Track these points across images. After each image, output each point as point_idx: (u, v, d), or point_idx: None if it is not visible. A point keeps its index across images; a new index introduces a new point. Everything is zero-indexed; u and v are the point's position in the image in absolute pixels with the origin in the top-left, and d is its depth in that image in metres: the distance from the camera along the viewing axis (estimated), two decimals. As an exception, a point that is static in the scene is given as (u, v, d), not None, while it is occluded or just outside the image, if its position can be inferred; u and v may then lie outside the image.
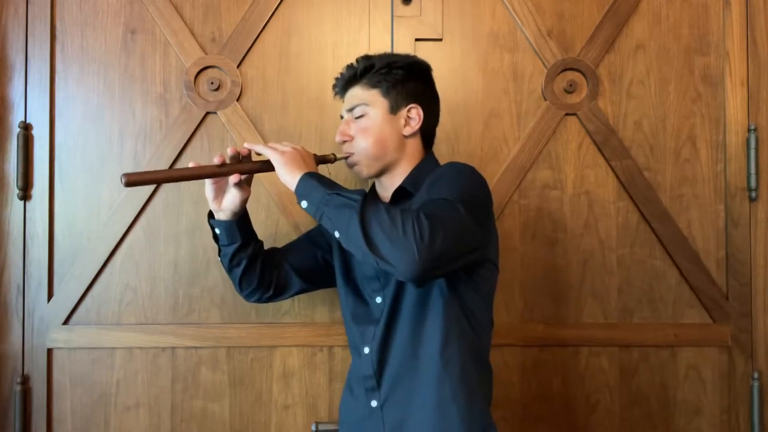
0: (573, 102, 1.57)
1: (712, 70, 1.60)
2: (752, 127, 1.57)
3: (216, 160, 1.15)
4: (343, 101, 1.28)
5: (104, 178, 1.55)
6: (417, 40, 1.57)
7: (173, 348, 1.54)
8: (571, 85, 1.57)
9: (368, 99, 1.22)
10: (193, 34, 1.56)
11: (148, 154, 1.55)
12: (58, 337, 1.53)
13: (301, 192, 1.09)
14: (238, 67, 1.55)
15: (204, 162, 1.55)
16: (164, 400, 1.54)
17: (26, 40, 1.54)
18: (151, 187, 1.54)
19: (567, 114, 1.57)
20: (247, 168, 1.17)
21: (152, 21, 1.55)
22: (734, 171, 1.58)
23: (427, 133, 1.28)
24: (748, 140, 1.58)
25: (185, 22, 1.55)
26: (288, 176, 1.12)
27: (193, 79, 1.54)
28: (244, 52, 1.55)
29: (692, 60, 1.60)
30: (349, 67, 1.26)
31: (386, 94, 1.22)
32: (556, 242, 1.57)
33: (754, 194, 1.57)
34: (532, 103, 1.58)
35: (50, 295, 1.53)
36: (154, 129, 1.55)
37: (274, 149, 1.15)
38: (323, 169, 1.22)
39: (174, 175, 1.17)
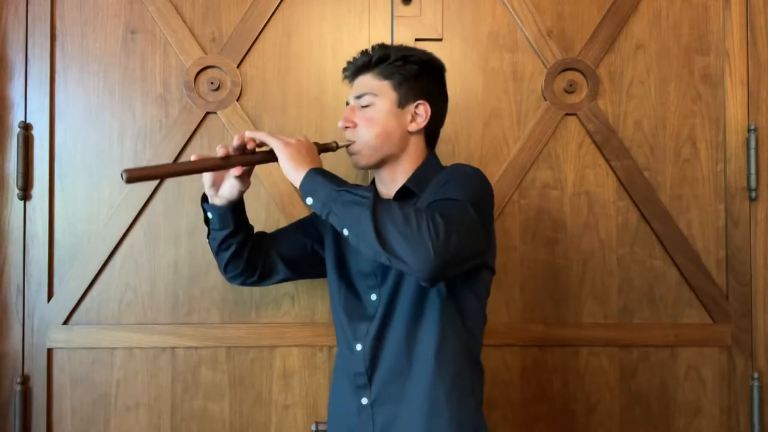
0: (573, 102, 1.57)
1: (712, 70, 1.60)
2: (752, 127, 1.57)
3: (220, 153, 1.11)
4: (352, 86, 1.25)
5: (104, 178, 1.55)
6: (417, 40, 1.57)
7: (173, 348, 1.54)
8: (571, 85, 1.57)
9: (378, 89, 1.20)
10: (193, 34, 1.56)
11: (148, 154, 1.55)
12: (58, 337, 1.53)
13: (306, 189, 1.07)
14: (238, 67, 1.55)
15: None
16: (164, 400, 1.54)
17: (26, 40, 1.54)
18: (151, 187, 1.53)
19: (567, 114, 1.57)
20: (251, 160, 1.14)
21: (152, 21, 1.55)
22: (734, 171, 1.58)
23: (432, 132, 1.26)
24: (748, 140, 1.58)
25: (185, 22, 1.55)
26: (293, 171, 1.09)
27: (193, 79, 1.54)
28: (244, 52, 1.55)
29: (692, 60, 1.60)
30: (364, 53, 1.23)
31: (397, 87, 1.20)
32: (556, 242, 1.57)
33: (754, 194, 1.57)
34: (532, 103, 1.58)
35: (50, 295, 1.53)
36: (154, 129, 1.55)
37: (279, 139, 1.12)
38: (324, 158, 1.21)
39: (176, 170, 1.13)
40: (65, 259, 1.54)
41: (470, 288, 1.15)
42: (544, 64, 1.57)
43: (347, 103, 1.25)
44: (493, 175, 1.56)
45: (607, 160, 1.57)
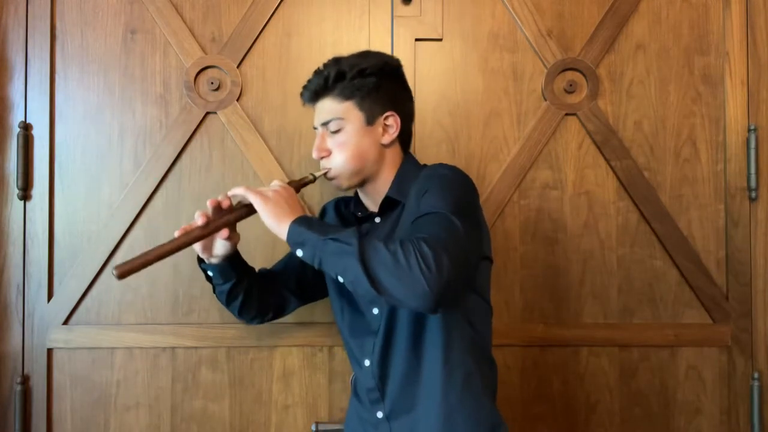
0: (573, 102, 1.57)
1: (712, 70, 1.60)
2: (752, 127, 1.57)
3: (199, 221, 1.10)
4: (314, 110, 1.23)
5: (104, 178, 1.55)
6: (417, 40, 1.57)
7: (173, 348, 1.54)
8: (571, 85, 1.57)
9: (343, 113, 1.18)
10: (193, 34, 1.56)
11: (148, 154, 1.55)
12: (58, 337, 1.53)
13: (293, 242, 1.05)
14: (238, 67, 1.55)
15: (204, 161, 1.55)
16: (164, 400, 1.54)
17: (26, 40, 1.54)
18: (151, 187, 1.54)
19: (567, 114, 1.57)
20: (234, 218, 1.13)
21: (152, 21, 1.55)
22: (734, 171, 1.58)
23: (405, 135, 1.25)
24: (748, 140, 1.58)
25: (185, 22, 1.55)
26: (276, 227, 1.07)
27: (193, 79, 1.54)
28: (244, 52, 1.55)
29: (692, 60, 1.60)
30: (318, 73, 1.20)
31: (361, 105, 1.18)
32: (556, 242, 1.57)
33: (754, 194, 1.57)
34: (532, 103, 1.58)
35: (50, 295, 1.53)
36: (154, 129, 1.55)
37: (257, 194, 1.09)
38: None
39: (163, 252, 1.11)
40: (65, 259, 1.54)
41: (470, 286, 1.15)
42: (544, 64, 1.57)
43: (315, 128, 1.23)
44: (493, 175, 1.56)
45: (607, 160, 1.57)
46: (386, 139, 1.20)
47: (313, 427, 1.51)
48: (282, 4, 1.56)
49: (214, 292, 1.29)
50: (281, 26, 1.57)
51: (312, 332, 1.54)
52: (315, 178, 1.21)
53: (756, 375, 1.56)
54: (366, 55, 1.23)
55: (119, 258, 1.54)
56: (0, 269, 1.53)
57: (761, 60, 1.59)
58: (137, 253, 1.53)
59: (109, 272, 1.53)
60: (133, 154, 1.55)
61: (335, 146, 1.19)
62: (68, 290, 1.53)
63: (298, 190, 1.17)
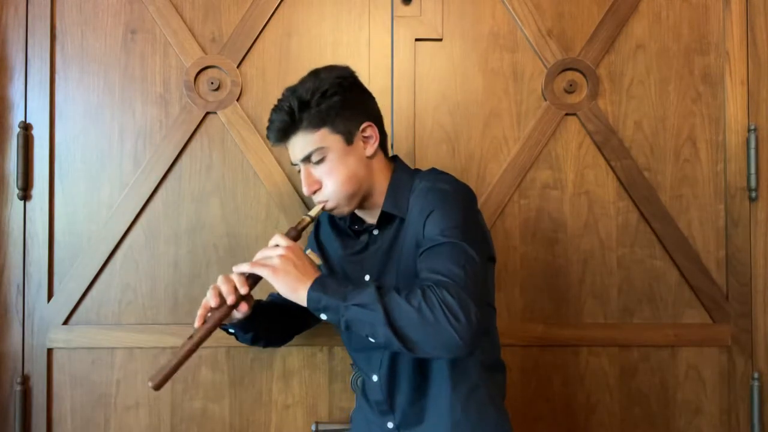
0: (573, 102, 1.57)
1: (712, 70, 1.60)
2: (752, 127, 1.57)
3: (213, 303, 1.08)
4: (287, 149, 1.18)
5: (104, 178, 1.55)
6: (417, 40, 1.56)
7: (173, 348, 1.54)
8: (571, 85, 1.57)
9: (320, 141, 1.13)
10: (193, 34, 1.56)
11: (148, 154, 1.55)
12: (58, 337, 1.52)
13: (315, 308, 1.03)
14: (238, 67, 1.55)
15: (204, 160, 1.55)
16: (164, 400, 1.54)
17: (26, 40, 1.54)
18: (151, 188, 1.54)
19: (567, 114, 1.57)
20: (247, 292, 1.09)
21: (152, 21, 1.55)
22: (734, 171, 1.58)
23: (382, 137, 1.21)
24: (748, 140, 1.58)
25: (185, 22, 1.55)
26: (293, 296, 1.04)
27: (193, 79, 1.54)
28: (244, 52, 1.55)
29: (692, 60, 1.60)
30: (279, 110, 1.14)
31: (335, 128, 1.13)
32: (556, 242, 1.57)
33: (754, 194, 1.57)
34: (532, 103, 1.58)
35: (50, 295, 1.53)
36: (154, 129, 1.55)
37: (264, 267, 1.05)
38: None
39: (192, 348, 1.09)
40: (65, 259, 1.54)
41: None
42: (544, 64, 1.57)
43: (294, 164, 1.19)
44: (493, 175, 1.56)
45: (607, 160, 1.57)
46: (369, 150, 1.17)
47: (313, 427, 1.51)
48: (282, 4, 1.56)
49: (238, 340, 1.28)
50: (281, 26, 1.57)
51: (312, 332, 1.54)
52: (313, 219, 1.17)
53: (756, 375, 1.56)
54: (317, 75, 1.17)
55: (119, 258, 1.54)
56: (0, 269, 1.53)
57: (761, 60, 1.59)
58: (137, 253, 1.54)
59: (109, 272, 1.54)
60: (133, 154, 1.55)
61: (324, 176, 1.15)
62: (68, 290, 1.53)
63: (298, 238, 1.13)
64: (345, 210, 1.18)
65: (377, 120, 1.20)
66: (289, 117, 1.13)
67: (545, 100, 1.57)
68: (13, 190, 1.53)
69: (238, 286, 1.07)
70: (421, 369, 1.15)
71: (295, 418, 1.55)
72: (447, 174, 1.18)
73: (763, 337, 1.58)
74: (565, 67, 1.57)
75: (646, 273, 1.57)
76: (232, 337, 1.26)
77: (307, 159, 1.15)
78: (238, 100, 1.55)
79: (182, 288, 1.55)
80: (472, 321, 0.94)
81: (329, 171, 1.14)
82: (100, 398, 1.53)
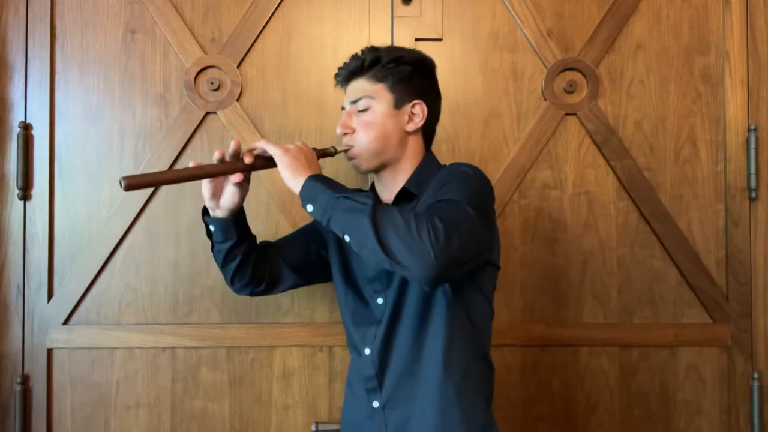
0: (573, 102, 1.57)
1: (712, 70, 1.60)
2: (752, 127, 1.57)
3: (216, 157, 1.12)
4: (345, 92, 1.25)
5: (104, 178, 1.55)
6: (417, 40, 1.57)
7: (173, 348, 1.54)
8: (571, 85, 1.57)
9: (373, 92, 1.19)
10: (193, 34, 1.56)
11: (148, 154, 1.55)
12: (58, 337, 1.53)
13: (306, 196, 1.06)
14: (238, 67, 1.55)
15: (205, 160, 1.56)
16: (164, 400, 1.54)
17: (26, 40, 1.54)
18: (150, 188, 1.53)
19: (567, 114, 1.57)
20: (249, 165, 1.13)
21: (152, 21, 1.55)
22: (734, 171, 1.58)
23: (429, 130, 1.27)
24: (748, 140, 1.58)
25: (185, 22, 1.55)
26: (291, 179, 1.08)
27: (193, 79, 1.54)
28: (244, 52, 1.55)
29: (692, 60, 1.60)
30: (355, 57, 1.23)
31: (392, 88, 1.20)
32: (556, 242, 1.57)
33: (754, 194, 1.57)
34: (532, 103, 1.58)
35: (50, 295, 1.53)
36: (154, 129, 1.55)
37: (278, 147, 1.11)
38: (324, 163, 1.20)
39: (175, 176, 1.11)
40: (65, 259, 1.54)
41: (476, 285, 1.15)
42: (544, 64, 1.57)
43: (343, 108, 1.25)
44: (493, 175, 1.56)
45: (607, 160, 1.57)
46: (411, 126, 1.21)
47: (313, 427, 1.51)
48: (282, 4, 1.56)
49: (212, 250, 1.27)
50: (281, 26, 1.57)
51: (312, 332, 1.54)
52: (336, 152, 1.22)
53: (756, 375, 1.56)
54: (404, 48, 1.29)
55: (119, 258, 1.54)
56: (0, 269, 1.53)
57: (761, 60, 1.59)
58: (137, 253, 1.55)
59: (109, 272, 1.54)
60: (133, 154, 1.55)
61: (360, 125, 1.20)
62: (68, 290, 1.53)
63: (317, 158, 1.18)
64: (363, 165, 1.21)
65: (432, 111, 1.25)
66: (360, 63, 1.21)
67: (545, 100, 1.57)
68: (13, 190, 1.53)
69: (244, 155, 1.12)
70: (415, 348, 1.14)
71: (295, 418, 1.55)
72: (474, 165, 1.19)
73: (763, 337, 1.58)
74: (565, 67, 1.57)
75: (646, 273, 1.58)
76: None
77: (354, 103, 1.21)
78: (238, 100, 1.55)
79: (182, 288, 1.55)
80: (452, 249, 0.97)
81: (367, 123, 1.19)
82: (100, 398, 1.53)
